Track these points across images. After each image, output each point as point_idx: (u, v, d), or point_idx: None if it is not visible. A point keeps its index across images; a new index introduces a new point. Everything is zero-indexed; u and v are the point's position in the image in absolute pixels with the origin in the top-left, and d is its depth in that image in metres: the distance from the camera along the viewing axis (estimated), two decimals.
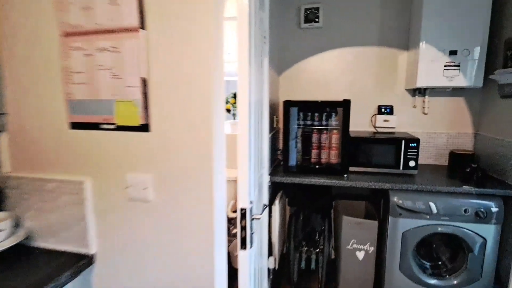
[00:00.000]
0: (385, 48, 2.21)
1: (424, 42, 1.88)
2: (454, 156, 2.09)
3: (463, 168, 1.81)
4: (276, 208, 1.95)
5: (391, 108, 2.25)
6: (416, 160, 1.88)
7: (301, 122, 2.02)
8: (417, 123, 2.24)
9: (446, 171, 2.03)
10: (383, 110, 2.26)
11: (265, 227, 1.70)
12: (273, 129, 2.12)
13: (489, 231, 1.65)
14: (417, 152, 1.88)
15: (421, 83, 1.92)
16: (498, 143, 1.83)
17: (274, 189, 2.17)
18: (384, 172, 1.96)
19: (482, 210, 1.62)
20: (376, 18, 2.20)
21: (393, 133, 2.18)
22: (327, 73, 2.33)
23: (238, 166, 1.02)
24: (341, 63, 2.30)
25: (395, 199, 1.73)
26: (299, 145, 2.07)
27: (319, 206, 1.99)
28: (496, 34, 1.86)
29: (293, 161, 2.05)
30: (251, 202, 1.07)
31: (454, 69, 1.86)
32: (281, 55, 2.38)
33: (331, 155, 1.99)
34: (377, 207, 1.99)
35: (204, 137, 0.90)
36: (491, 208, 1.62)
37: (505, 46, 1.78)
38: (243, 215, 1.02)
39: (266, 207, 1.64)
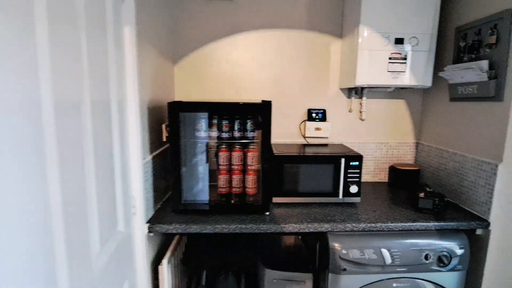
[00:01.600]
0: (316, 33, 1.69)
1: (364, 25, 1.39)
2: (396, 172, 1.69)
3: (414, 191, 1.38)
4: (164, 270, 1.21)
5: (324, 112, 1.74)
6: (359, 184, 1.38)
7: (202, 134, 1.32)
8: (353, 132, 1.79)
9: (390, 193, 1.60)
10: (314, 115, 1.74)
11: None
12: (160, 145, 1.37)
13: (453, 281, 1.23)
14: (360, 173, 1.38)
15: (361, 80, 1.44)
16: (443, 154, 1.47)
17: (165, 240, 1.43)
18: (320, 202, 1.42)
19: (446, 253, 1.19)
20: None
21: (326, 145, 1.66)
22: (242, 65, 1.69)
23: None
24: (260, 52, 1.69)
25: (337, 247, 1.18)
26: (200, 168, 1.37)
27: (232, 262, 1.34)
28: (445, 20, 1.49)
29: (188, 195, 1.34)
30: None
31: (400, 62, 1.42)
32: (176, 35, 1.65)
33: (247, 183, 1.35)
34: (312, 249, 1.43)
35: None
36: (456, 250, 1.20)
37: (456, 35, 1.41)
38: None
39: None
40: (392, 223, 1.22)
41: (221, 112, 1.32)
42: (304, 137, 1.76)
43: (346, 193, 1.39)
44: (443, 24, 1.48)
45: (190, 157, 1.36)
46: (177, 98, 1.69)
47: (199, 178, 1.38)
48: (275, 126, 1.72)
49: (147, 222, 1.16)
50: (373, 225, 1.21)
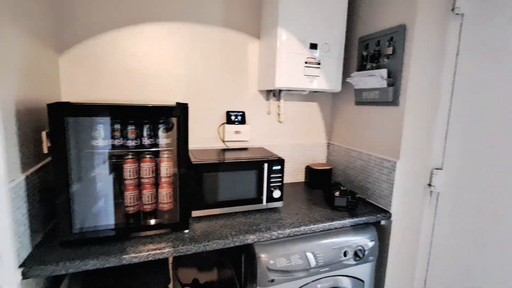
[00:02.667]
0: (234, 31, 1.60)
1: (282, 28, 1.38)
2: (312, 172, 1.76)
3: (330, 191, 1.45)
4: None
5: (243, 115, 1.68)
6: (281, 188, 1.36)
7: (101, 143, 1.07)
8: (272, 134, 1.78)
9: (308, 193, 1.65)
10: (233, 117, 1.65)
11: None
12: (39, 159, 1.05)
13: (366, 271, 1.33)
14: (282, 177, 1.36)
15: (281, 83, 1.42)
16: (351, 153, 1.60)
17: (54, 284, 1.11)
18: (244, 210, 1.34)
19: (360, 247, 1.27)
20: None
21: (247, 149, 1.60)
22: (151, 60, 1.47)
23: None
24: (172, 46, 1.50)
25: (264, 257, 1.12)
26: (100, 185, 1.11)
27: None
28: (351, 30, 1.61)
29: (85, 220, 1.07)
30: None
31: (314, 67, 1.46)
32: (60, 15, 1.31)
33: (161, 198, 1.16)
34: (236, 262, 1.34)
35: None
36: (368, 243, 1.29)
37: (360, 44, 1.54)
38: None
39: None
40: (314, 224, 1.23)
41: (126, 116, 1.09)
42: (224, 141, 1.66)
43: (270, 198, 1.35)
44: (349, 34, 1.60)
45: (85, 172, 1.08)
46: (64, 99, 1.35)
47: (99, 197, 1.12)
48: (191, 130, 1.56)
49: (20, 266, 0.86)
50: (297, 229, 1.20)
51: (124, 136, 1.10)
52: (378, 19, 1.42)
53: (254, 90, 1.69)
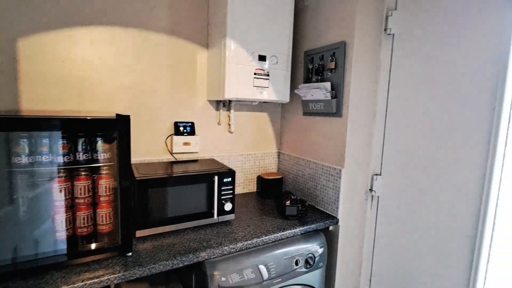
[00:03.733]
0: (181, 40, 1.55)
1: (231, 39, 1.37)
2: (263, 182, 1.78)
3: (281, 200, 1.47)
4: None
5: (192, 125, 1.62)
6: (232, 200, 1.34)
7: (25, 160, 0.93)
8: (222, 145, 1.75)
9: (259, 203, 1.65)
10: (181, 128, 1.59)
11: None
12: None
13: (316, 277, 1.36)
14: (233, 189, 1.34)
15: (230, 94, 1.41)
16: (300, 162, 1.65)
17: None
18: (193, 226, 1.28)
19: (311, 255, 1.31)
20: None
21: (197, 161, 1.55)
22: (87, 68, 1.34)
23: None
24: (114, 53, 1.39)
25: (216, 275, 1.07)
26: (23, 210, 0.96)
27: None
28: (298, 43, 1.67)
29: (3, 250, 0.91)
30: None
31: (264, 78, 1.48)
32: None
33: (100, 219, 1.05)
34: (186, 279, 1.27)
35: None
36: (318, 249, 1.33)
37: (305, 58, 1.61)
38: None
39: None
40: (266, 236, 1.23)
41: (53, 129, 0.97)
42: (172, 154, 1.58)
43: (221, 211, 1.31)
44: (296, 47, 1.67)
45: (5, 195, 0.93)
46: None
47: (22, 223, 0.96)
48: (136, 142, 1.46)
49: None
50: (249, 242, 1.18)
51: (54, 152, 0.97)
52: (322, 34, 1.50)
53: (204, 100, 1.65)
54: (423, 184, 1.27)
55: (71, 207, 1.02)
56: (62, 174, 0.99)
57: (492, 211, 1.04)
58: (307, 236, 1.34)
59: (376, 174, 1.46)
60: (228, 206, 1.32)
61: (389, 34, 1.37)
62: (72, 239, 1.01)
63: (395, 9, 1.35)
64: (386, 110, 1.42)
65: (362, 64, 1.36)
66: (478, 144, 1.08)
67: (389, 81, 1.40)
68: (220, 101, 1.67)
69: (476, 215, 1.09)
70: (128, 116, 0.99)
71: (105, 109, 1.39)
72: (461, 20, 1.13)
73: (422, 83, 1.26)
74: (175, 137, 1.56)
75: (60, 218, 0.99)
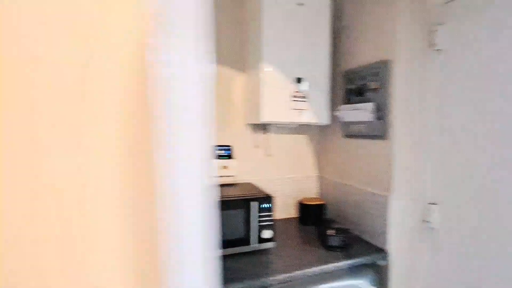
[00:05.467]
0: (219, 65, 1.60)
1: (266, 62, 1.38)
2: (303, 208, 1.69)
3: (323, 229, 1.37)
4: None
5: (230, 149, 1.63)
6: (272, 226, 1.28)
7: None
8: (260, 168, 1.72)
9: (300, 231, 1.56)
10: (220, 152, 1.60)
11: None
12: None
13: None
14: (272, 215, 1.29)
15: (266, 117, 1.40)
16: (342, 188, 1.55)
17: None
18: (229, 254, 1.24)
19: None
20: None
21: (234, 185, 1.53)
22: None
23: None
24: None
25: None
26: None
27: None
28: (336, 64, 1.63)
29: None
30: None
31: (301, 101, 1.45)
32: None
33: None
34: None
35: None
36: (366, 287, 1.20)
37: (345, 78, 1.55)
38: None
39: None
40: (308, 268, 1.13)
41: None
42: None
43: (259, 239, 1.26)
44: (334, 68, 1.62)
45: None
46: None
47: None
48: None
49: None
50: (290, 274, 1.10)
51: None
52: (361, 54, 1.44)
53: (241, 124, 1.66)
54: (490, 214, 1.09)
55: None
56: None
57: None
58: (354, 271, 1.22)
59: (432, 203, 1.30)
60: (267, 233, 1.26)
61: (436, 50, 1.27)
62: None
63: (442, 24, 1.25)
64: (439, 131, 1.28)
65: (407, 82, 1.27)
66: None
67: (440, 99, 1.27)
68: (258, 124, 1.67)
69: None
70: None
71: None
72: None
73: (475, 102, 1.13)
74: (214, 161, 1.57)
75: None
